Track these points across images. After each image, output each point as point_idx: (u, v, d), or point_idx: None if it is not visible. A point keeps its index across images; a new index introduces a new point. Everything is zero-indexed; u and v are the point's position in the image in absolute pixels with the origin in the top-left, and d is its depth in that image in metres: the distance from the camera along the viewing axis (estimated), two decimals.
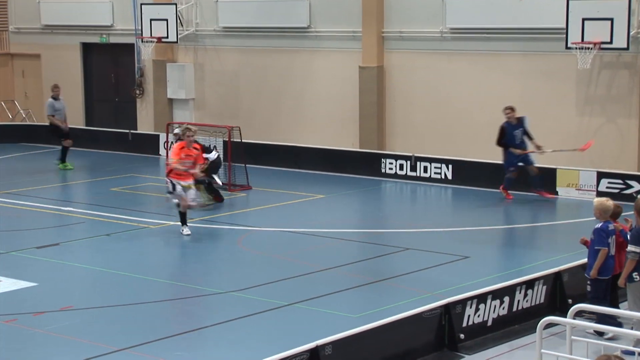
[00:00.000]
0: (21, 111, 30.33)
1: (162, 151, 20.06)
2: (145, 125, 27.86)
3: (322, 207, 20.15)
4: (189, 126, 17.87)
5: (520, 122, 20.07)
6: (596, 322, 11.19)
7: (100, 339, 11.75)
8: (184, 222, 17.19)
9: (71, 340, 11.74)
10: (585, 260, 12.81)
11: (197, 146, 17.92)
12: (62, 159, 24.39)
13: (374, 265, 15.52)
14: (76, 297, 13.63)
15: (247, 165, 21.72)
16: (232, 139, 21.94)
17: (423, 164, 22.48)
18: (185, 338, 11.80)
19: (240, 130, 22.10)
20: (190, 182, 17.14)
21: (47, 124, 27.23)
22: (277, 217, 18.82)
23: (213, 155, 19.94)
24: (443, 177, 22.19)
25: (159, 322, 12.50)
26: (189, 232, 17.10)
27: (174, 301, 13.54)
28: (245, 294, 13.65)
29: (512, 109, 20.03)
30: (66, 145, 24.31)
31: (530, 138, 20.05)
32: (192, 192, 17.18)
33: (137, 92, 28.11)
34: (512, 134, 19.97)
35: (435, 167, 22.33)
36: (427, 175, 22.41)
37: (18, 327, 12.29)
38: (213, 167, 19.82)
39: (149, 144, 26.36)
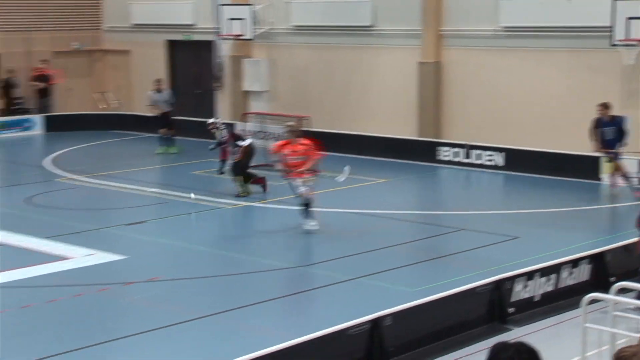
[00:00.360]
0: (113, 102, 30.78)
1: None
2: (223, 114, 28.01)
3: (384, 191, 20.14)
4: (289, 122, 17.04)
5: (614, 120, 18.67)
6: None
7: (184, 307, 11.93)
8: (308, 215, 15.84)
9: (158, 308, 11.95)
10: (628, 241, 12.69)
11: (306, 141, 16.17)
12: (162, 144, 24.91)
13: (431, 244, 15.50)
14: (162, 270, 13.83)
15: None
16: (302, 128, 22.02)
17: (476, 151, 22.34)
18: (259, 307, 11.90)
19: (310, 120, 22.15)
20: (307, 177, 15.96)
21: (135, 113, 27.85)
22: (342, 199, 18.83)
23: (244, 143, 19.11)
24: (495, 164, 22.04)
25: (235, 292, 12.64)
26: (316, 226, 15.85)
27: (248, 274, 13.66)
28: (312, 269, 13.73)
29: (604, 106, 18.66)
30: (161, 133, 24.74)
31: (621, 139, 18.66)
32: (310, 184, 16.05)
33: (217, 84, 28.33)
34: (601, 129, 18.76)
35: (487, 155, 22.17)
36: (480, 162, 22.27)
37: (110, 295, 12.54)
38: (247, 154, 19.01)
39: None
